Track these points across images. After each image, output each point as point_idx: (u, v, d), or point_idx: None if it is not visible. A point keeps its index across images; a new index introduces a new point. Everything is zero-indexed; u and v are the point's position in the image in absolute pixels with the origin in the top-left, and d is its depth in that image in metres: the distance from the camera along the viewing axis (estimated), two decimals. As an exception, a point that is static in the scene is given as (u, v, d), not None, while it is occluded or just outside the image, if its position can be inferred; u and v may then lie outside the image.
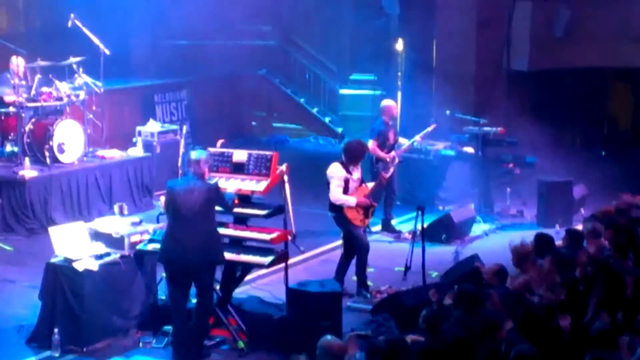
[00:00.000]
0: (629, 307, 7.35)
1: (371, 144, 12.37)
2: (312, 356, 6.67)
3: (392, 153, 12.57)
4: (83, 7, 14.57)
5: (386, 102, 13.42)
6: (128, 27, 17.96)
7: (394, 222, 13.16)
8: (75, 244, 8.94)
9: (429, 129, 13.36)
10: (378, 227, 12.94)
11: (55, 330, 8.58)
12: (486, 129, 14.27)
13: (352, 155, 10.37)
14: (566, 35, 17.94)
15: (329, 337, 6.66)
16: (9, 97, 12.93)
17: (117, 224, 9.45)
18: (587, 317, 7.57)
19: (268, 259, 8.93)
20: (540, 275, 8.66)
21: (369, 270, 10.63)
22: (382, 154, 12.42)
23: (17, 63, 13.40)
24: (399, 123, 13.24)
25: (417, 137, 13.23)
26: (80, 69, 13.78)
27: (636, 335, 6.71)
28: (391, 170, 12.49)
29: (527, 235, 9.74)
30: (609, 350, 6.32)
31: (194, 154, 8.65)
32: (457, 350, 6.51)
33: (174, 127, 15.60)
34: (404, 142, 13.08)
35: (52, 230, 9.23)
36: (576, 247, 9.29)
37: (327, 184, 10.26)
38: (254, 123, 20.09)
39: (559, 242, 10.06)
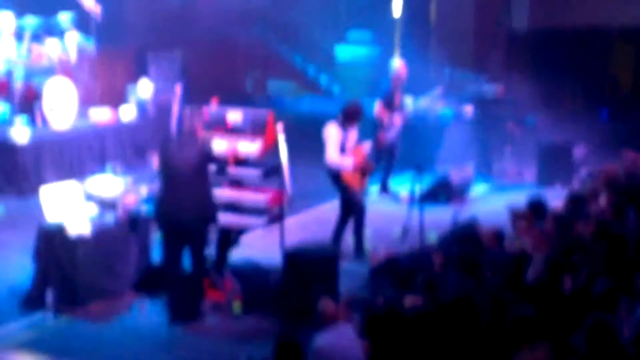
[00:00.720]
0: (629, 268, 7.37)
1: (378, 105, 12.36)
2: (307, 319, 6.71)
3: (395, 114, 12.51)
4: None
5: (396, 63, 13.40)
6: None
7: (391, 183, 13.17)
8: (68, 205, 8.96)
9: (435, 92, 13.34)
10: (376, 189, 12.98)
11: (49, 292, 8.64)
12: (485, 88, 14.26)
13: (349, 116, 10.34)
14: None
15: (326, 300, 6.70)
16: (-1, 55, 12.91)
17: (110, 185, 9.45)
18: (587, 279, 7.60)
19: (263, 221, 8.96)
20: (539, 237, 8.70)
21: (366, 232, 10.66)
22: (383, 115, 12.38)
23: (6, 20, 13.30)
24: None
25: (423, 101, 13.22)
26: (72, 26, 13.72)
27: (635, 296, 6.76)
28: (393, 132, 12.48)
29: (527, 196, 9.77)
30: (609, 311, 6.36)
31: (186, 111, 8.67)
32: (455, 312, 6.54)
33: (168, 87, 15.57)
34: (408, 103, 13.04)
35: (44, 191, 9.24)
36: (577, 209, 9.32)
37: (323, 145, 10.26)
38: (248, 82, 20.03)
39: (559, 203, 10.09)
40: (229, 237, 9.31)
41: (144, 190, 9.38)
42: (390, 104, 12.49)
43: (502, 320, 6.15)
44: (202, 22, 18.50)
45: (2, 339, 8.19)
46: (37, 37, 13.35)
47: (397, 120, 12.47)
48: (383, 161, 12.72)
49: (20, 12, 13.59)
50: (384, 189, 12.99)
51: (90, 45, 13.92)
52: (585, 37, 18.32)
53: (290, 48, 20.18)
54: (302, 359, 6.19)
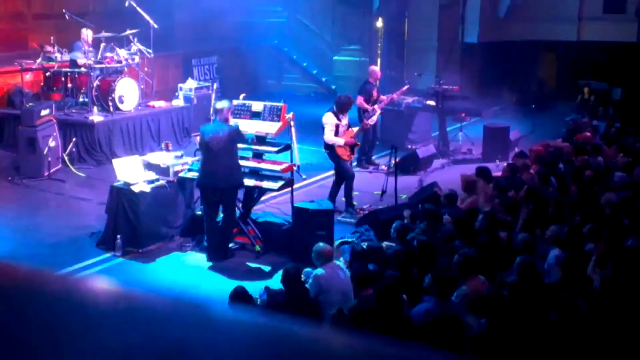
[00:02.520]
0: (549, 221, 7.40)
1: (359, 99, 12.31)
2: (310, 257, 6.74)
3: (375, 106, 12.45)
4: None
5: (372, 68, 13.42)
6: (171, 5, 17.71)
7: (374, 156, 13.14)
8: (132, 172, 8.97)
9: (404, 88, 13.27)
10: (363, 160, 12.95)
11: (118, 236, 8.64)
12: (445, 87, 14.21)
13: (341, 106, 10.35)
14: (507, 16, 17.86)
15: (321, 244, 6.73)
16: (81, 60, 12.89)
17: (163, 157, 9.46)
18: (517, 230, 7.63)
19: (278, 185, 8.96)
20: (483, 197, 8.72)
21: (354, 193, 10.64)
22: (366, 106, 12.32)
23: (87, 34, 13.36)
24: (379, 83, 13.12)
25: (394, 95, 13.15)
26: (135, 39, 13.70)
27: (547, 243, 6.81)
28: (374, 119, 12.43)
29: (473, 168, 9.76)
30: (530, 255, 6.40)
31: (219, 104, 8.65)
32: (420, 254, 6.57)
33: (207, 84, 15.54)
34: (383, 98, 12.94)
35: (115, 162, 9.28)
36: (513, 177, 9.33)
37: (322, 128, 10.26)
38: (268, 81, 19.96)
39: (499, 173, 10.08)
40: (252, 196, 9.33)
41: (189, 160, 9.38)
42: (369, 98, 12.43)
43: (452, 259, 6.17)
44: (234, 35, 18.45)
45: (80, 272, 8.23)
46: (109, 47, 13.33)
47: (375, 111, 12.39)
48: (367, 140, 12.68)
49: (97, 29, 13.58)
50: (368, 160, 12.96)
51: (149, 52, 13.88)
52: (520, 49, 18.28)
53: (300, 55, 20.08)
54: (303, 286, 6.23)
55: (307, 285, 6.39)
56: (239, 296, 5.73)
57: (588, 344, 4.83)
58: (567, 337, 4.88)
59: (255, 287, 6.96)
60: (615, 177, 9.19)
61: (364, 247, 7.34)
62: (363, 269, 6.17)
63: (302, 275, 6.46)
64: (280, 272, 6.47)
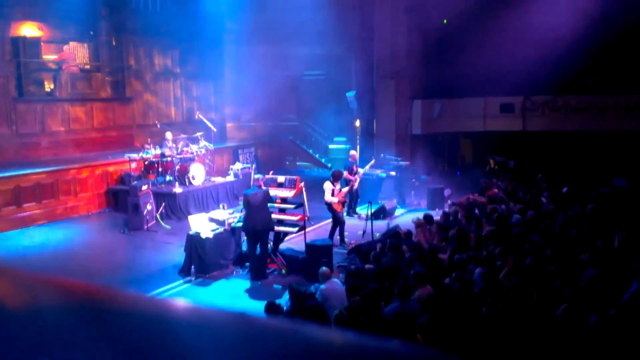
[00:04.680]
0: (472, 249, 7.34)
1: (345, 172, 12.38)
2: (317, 277, 6.65)
3: (356, 176, 12.50)
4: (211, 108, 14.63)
5: (352, 152, 13.49)
6: (224, 116, 17.98)
7: (357, 209, 13.11)
8: (201, 223, 8.95)
9: (371, 162, 13.36)
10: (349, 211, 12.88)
11: (192, 266, 8.60)
12: (401, 162, 14.30)
13: (335, 177, 10.44)
14: (438, 116, 18.06)
15: (324, 267, 6.67)
16: (167, 153, 12.99)
17: (221, 213, 9.47)
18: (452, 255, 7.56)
19: (296, 229, 8.95)
20: (429, 235, 8.66)
21: (345, 233, 10.61)
22: (350, 176, 12.37)
23: (170, 136, 13.49)
24: (358, 161, 13.19)
25: (366, 168, 13.22)
26: (202, 138, 13.87)
27: (475, 264, 6.71)
28: (356, 184, 12.48)
29: (421, 215, 9.73)
30: (463, 273, 6.32)
31: (256, 177, 8.75)
32: (389, 272, 6.50)
33: (248, 165, 15.65)
34: (360, 170, 13.02)
35: (190, 217, 9.26)
36: (447, 220, 9.29)
37: (323, 192, 10.28)
38: (287, 162, 20.06)
39: (438, 217, 10.04)
40: (279, 237, 9.28)
41: (237, 215, 9.37)
42: (351, 172, 12.46)
43: (409, 275, 6.10)
44: (265, 133, 18.65)
45: (168, 291, 8.17)
46: (185, 143, 13.49)
47: (356, 179, 12.42)
48: (352, 198, 12.68)
49: (177, 132, 13.77)
50: (353, 211, 12.94)
51: (211, 146, 14.02)
52: (448, 136, 18.45)
53: (307, 145, 20.24)
54: (303, 298, 6.00)
55: (316, 296, 6.28)
56: (271, 306, 5.64)
57: (502, 329, 4.73)
58: (489, 324, 4.79)
59: (281, 297, 6.85)
60: (513, 218, 9.15)
61: (353, 268, 7.27)
62: (353, 283, 6.08)
63: (311, 288, 6.36)
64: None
